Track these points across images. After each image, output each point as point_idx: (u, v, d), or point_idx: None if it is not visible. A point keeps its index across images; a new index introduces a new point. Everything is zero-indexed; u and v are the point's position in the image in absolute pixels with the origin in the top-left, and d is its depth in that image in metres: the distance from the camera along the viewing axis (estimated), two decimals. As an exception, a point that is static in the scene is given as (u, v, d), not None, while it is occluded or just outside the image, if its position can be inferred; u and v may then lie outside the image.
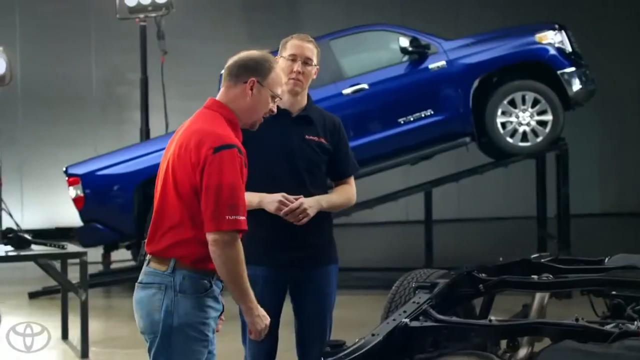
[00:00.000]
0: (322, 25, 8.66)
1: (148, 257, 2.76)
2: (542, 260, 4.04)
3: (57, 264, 5.63)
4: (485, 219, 12.69)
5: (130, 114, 11.03)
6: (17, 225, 9.24)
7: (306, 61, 3.40)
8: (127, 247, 8.23)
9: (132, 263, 8.28)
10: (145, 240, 2.77)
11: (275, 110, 2.86)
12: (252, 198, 3.31)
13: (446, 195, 10.56)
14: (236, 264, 2.63)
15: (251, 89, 2.76)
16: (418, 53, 7.54)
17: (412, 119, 7.50)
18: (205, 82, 9.15)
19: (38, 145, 11.60)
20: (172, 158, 2.71)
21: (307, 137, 3.41)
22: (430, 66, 7.56)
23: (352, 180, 3.58)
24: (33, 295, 7.66)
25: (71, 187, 7.58)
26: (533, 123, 7.52)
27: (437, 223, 8.58)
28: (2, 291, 8.07)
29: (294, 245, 3.39)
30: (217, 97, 2.82)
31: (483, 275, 3.70)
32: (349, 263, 8.73)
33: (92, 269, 6.95)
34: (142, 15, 8.86)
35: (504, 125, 7.56)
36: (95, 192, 7.56)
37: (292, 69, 3.37)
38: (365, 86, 7.53)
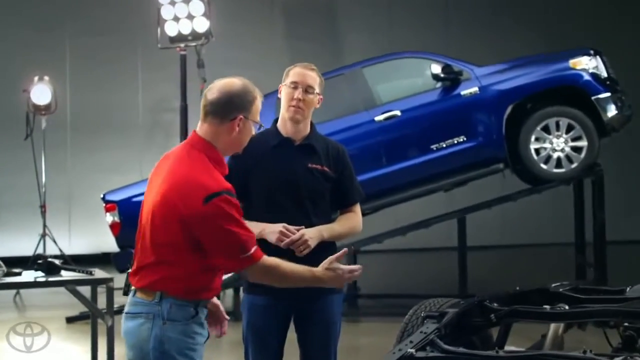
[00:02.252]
0: (365, 54, 8.61)
1: (133, 287, 2.74)
2: (561, 289, 3.91)
3: (88, 290, 5.66)
4: (527, 245, 12.43)
5: (175, 140, 11.12)
6: (61, 251, 9.42)
7: (307, 89, 3.39)
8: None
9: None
10: (130, 271, 2.76)
11: (254, 133, 2.83)
12: (253, 228, 3.21)
13: (487, 221, 10.37)
14: (277, 279, 2.77)
15: (238, 126, 2.73)
16: (450, 79, 7.46)
17: (444, 145, 7.39)
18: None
19: (85, 172, 11.79)
20: (154, 204, 2.68)
21: (310, 165, 3.40)
22: (463, 92, 7.45)
23: (357, 208, 3.54)
24: (70, 320, 7.73)
25: (108, 213, 7.64)
26: (567, 149, 7.34)
27: (476, 249, 8.43)
28: (43, 315, 8.17)
29: None
30: (202, 134, 2.75)
31: (495, 304, 3.60)
32: (378, 290, 8.75)
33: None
34: (182, 45, 8.92)
35: (537, 151, 7.39)
36: (131, 218, 7.58)
37: (293, 96, 3.37)
38: (398, 113, 7.45)
